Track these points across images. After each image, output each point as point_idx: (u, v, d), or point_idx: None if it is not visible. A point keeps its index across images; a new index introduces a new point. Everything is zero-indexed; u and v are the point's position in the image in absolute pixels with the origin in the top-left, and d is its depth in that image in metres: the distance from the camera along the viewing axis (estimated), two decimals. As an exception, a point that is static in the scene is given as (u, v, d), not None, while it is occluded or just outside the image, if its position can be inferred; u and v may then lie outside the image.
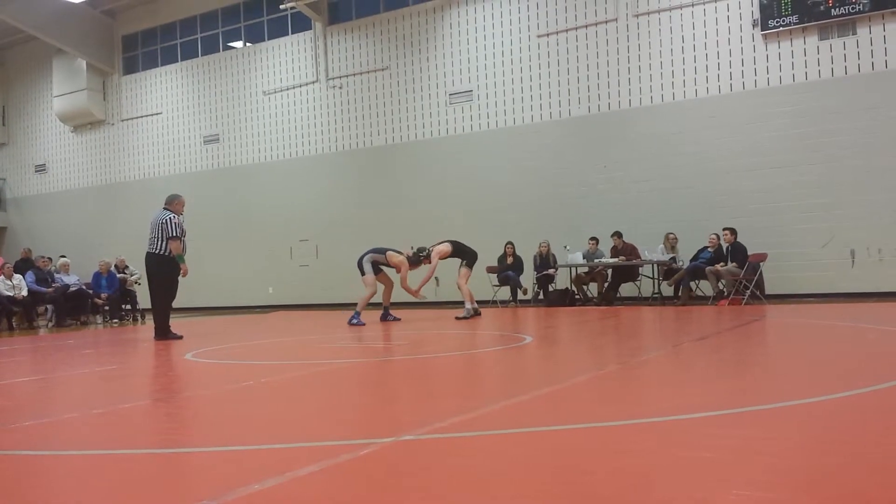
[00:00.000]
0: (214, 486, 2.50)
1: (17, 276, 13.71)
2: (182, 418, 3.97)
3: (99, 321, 14.76)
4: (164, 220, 8.90)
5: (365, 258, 10.71)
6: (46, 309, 14.89)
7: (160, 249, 8.92)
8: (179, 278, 9.16)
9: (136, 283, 15.64)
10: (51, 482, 2.72)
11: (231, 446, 3.16)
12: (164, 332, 9.09)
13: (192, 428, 3.70)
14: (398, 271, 10.70)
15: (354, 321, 10.28)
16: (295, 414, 3.99)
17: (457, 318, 10.61)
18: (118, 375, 6.18)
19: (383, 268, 10.91)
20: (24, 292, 13.54)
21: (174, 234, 8.85)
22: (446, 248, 10.90)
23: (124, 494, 2.50)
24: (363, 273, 10.68)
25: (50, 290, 13.98)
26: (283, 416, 3.95)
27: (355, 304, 10.76)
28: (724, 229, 12.46)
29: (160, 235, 8.92)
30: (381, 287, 10.93)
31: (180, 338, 9.07)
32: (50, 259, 15.43)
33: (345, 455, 2.78)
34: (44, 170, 23.08)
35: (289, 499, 2.32)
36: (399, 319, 11.01)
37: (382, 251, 10.79)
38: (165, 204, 9.13)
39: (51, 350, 9.01)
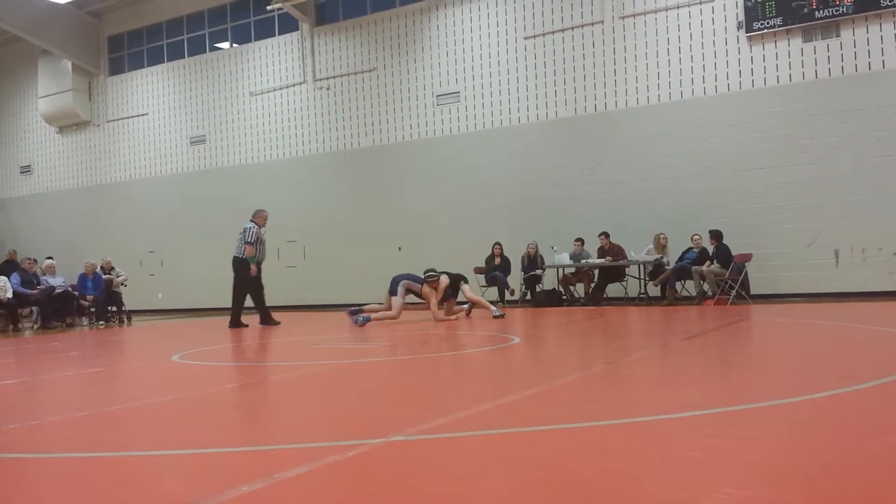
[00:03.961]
0: (201, 488, 2.50)
1: (2, 278, 13.59)
2: (168, 421, 3.96)
3: (84, 323, 14.66)
4: (244, 229, 11.19)
5: (401, 283, 10.73)
6: (31, 311, 14.77)
7: (240, 253, 11.17)
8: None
9: (122, 284, 15.55)
10: (35, 485, 2.71)
11: (218, 448, 3.16)
12: (237, 322, 11.16)
13: (178, 430, 3.69)
14: (426, 301, 10.81)
15: (360, 321, 10.15)
16: (283, 415, 3.98)
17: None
18: (104, 378, 6.15)
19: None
20: (9, 294, 13.43)
21: (249, 241, 11.06)
22: (446, 279, 11.07)
23: (110, 497, 2.49)
24: (394, 293, 10.65)
25: (35, 291, 13.87)
26: (270, 417, 3.95)
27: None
28: (710, 232, 12.56)
29: (241, 241, 11.18)
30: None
31: (246, 326, 11.09)
32: (35, 261, 15.31)
33: (333, 456, 2.78)
34: (29, 171, 22.92)
35: (277, 500, 2.32)
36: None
37: (420, 281, 10.85)
38: (251, 217, 11.39)
39: (36, 352, 8.95)
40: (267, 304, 11.46)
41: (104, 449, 3.29)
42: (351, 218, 17.31)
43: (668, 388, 4.31)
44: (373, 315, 10.45)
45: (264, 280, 11.47)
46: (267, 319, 11.28)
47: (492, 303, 12.87)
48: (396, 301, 10.54)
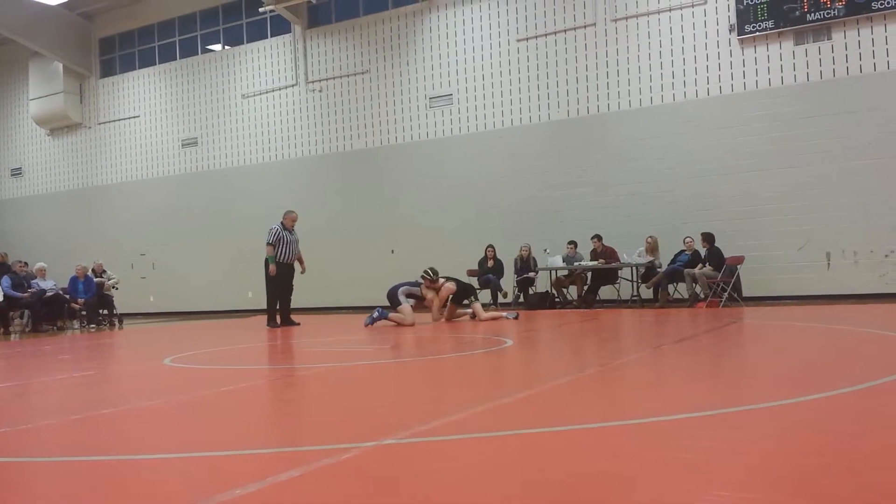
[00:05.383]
0: (194, 491, 2.49)
1: (-7, 281, 13.52)
2: (161, 424, 3.94)
3: (76, 326, 14.59)
4: (269, 230, 11.32)
5: (400, 291, 10.71)
6: (23, 314, 14.69)
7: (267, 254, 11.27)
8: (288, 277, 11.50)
9: (113, 287, 15.48)
10: (27, 489, 2.69)
11: (211, 451, 3.14)
12: (271, 320, 11.35)
13: (171, 434, 3.67)
14: (427, 304, 10.85)
15: (376, 315, 10.31)
16: (276, 418, 3.97)
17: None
18: (96, 381, 6.12)
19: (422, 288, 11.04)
20: (0, 297, 13.35)
21: (268, 241, 11.23)
22: (452, 286, 11.02)
23: (102, 501, 2.47)
24: (399, 303, 10.59)
25: (26, 294, 13.80)
26: (263, 420, 3.93)
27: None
28: (702, 234, 12.59)
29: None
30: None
31: (278, 326, 11.19)
32: (27, 263, 15.23)
33: (326, 459, 2.77)
34: (20, 173, 22.82)
35: (270, 504, 2.31)
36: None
37: (416, 284, 10.93)
38: (281, 218, 11.51)
39: (27, 356, 8.90)
40: (277, 308, 11.51)
41: (96, 452, 3.27)
42: (343, 220, 17.28)
43: (661, 391, 4.32)
44: (390, 314, 10.51)
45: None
46: (271, 321, 11.45)
47: (485, 306, 12.88)
48: (405, 309, 10.48)
